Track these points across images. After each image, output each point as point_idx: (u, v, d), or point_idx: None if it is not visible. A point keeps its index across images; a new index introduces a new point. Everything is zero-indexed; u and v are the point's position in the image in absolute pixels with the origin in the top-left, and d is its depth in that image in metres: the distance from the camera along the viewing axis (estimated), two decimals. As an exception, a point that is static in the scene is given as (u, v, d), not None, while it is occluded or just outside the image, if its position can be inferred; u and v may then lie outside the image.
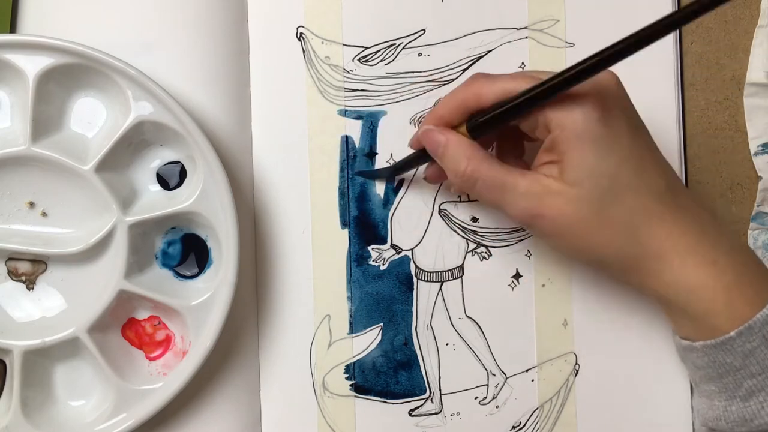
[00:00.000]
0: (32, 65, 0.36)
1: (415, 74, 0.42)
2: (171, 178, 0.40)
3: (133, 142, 0.39)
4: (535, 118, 0.34)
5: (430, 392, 0.43)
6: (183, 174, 0.40)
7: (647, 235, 0.34)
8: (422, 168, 0.42)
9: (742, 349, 0.33)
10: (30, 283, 0.39)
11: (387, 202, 0.42)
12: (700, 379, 0.36)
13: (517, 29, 0.42)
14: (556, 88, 0.32)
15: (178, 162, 0.39)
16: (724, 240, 0.34)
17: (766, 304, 0.33)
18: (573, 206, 0.33)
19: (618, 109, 0.33)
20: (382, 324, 0.43)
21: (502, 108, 0.33)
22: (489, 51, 0.42)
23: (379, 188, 0.42)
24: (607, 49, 0.30)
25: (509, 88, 0.33)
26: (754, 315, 0.33)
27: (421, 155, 0.38)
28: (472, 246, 0.43)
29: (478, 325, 0.43)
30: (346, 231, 0.42)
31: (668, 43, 0.43)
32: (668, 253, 0.34)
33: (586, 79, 0.31)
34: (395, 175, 0.42)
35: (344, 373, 0.42)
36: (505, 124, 0.34)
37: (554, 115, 0.33)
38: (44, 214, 0.39)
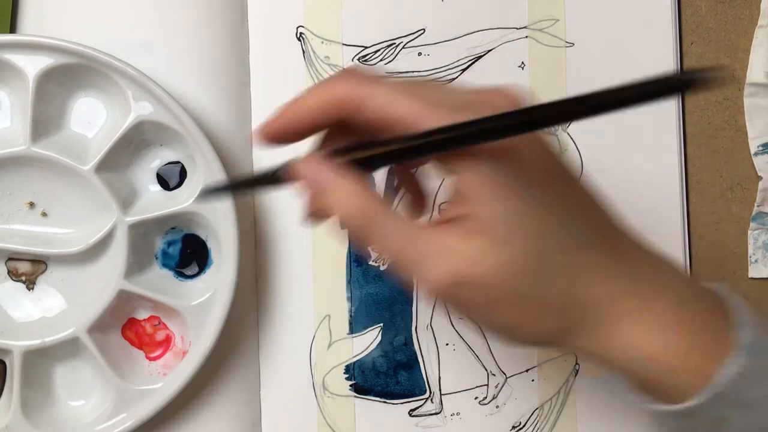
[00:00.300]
0: (32, 65, 0.36)
1: (415, 74, 0.42)
2: (171, 178, 0.40)
3: (133, 142, 0.39)
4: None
5: (430, 392, 0.43)
6: (183, 174, 0.40)
7: (589, 299, 0.27)
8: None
9: (711, 415, 0.27)
10: (30, 283, 0.39)
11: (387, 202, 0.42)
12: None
13: (517, 29, 0.42)
14: (476, 138, 0.24)
15: (178, 162, 0.40)
16: (678, 291, 0.28)
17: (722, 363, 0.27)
18: (505, 269, 0.25)
19: (529, 145, 0.26)
20: (382, 324, 0.43)
21: (398, 145, 0.25)
22: (489, 50, 0.42)
23: (379, 188, 0.42)
24: (546, 105, 0.24)
25: (398, 113, 0.25)
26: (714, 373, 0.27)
27: (277, 180, 0.28)
28: (472, 246, 0.43)
29: (478, 325, 0.43)
30: (345, 231, 0.42)
31: (668, 43, 0.43)
32: (617, 317, 0.27)
33: (509, 137, 0.24)
34: (233, 191, 0.37)
35: (344, 373, 0.42)
36: (397, 163, 0.28)
37: (451, 158, 0.25)
38: (44, 214, 0.39)
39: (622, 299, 0.27)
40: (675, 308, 0.27)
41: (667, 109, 0.43)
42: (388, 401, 0.43)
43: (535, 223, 0.26)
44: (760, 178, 0.43)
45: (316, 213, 0.29)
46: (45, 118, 0.38)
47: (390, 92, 0.26)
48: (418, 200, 0.32)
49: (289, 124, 0.28)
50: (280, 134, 0.28)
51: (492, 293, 0.26)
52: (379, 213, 0.26)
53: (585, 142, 0.42)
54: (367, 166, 0.27)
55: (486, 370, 0.43)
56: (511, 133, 0.24)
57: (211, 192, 0.34)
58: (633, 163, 0.42)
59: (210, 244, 0.40)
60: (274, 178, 0.29)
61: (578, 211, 0.27)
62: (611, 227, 0.28)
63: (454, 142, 0.24)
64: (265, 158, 0.42)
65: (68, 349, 0.39)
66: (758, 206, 0.44)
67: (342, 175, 0.27)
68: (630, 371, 0.28)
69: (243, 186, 0.37)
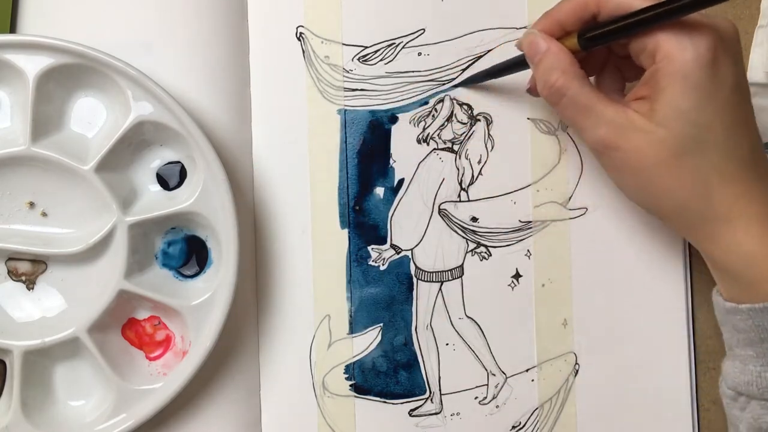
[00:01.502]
0: (32, 65, 0.36)
1: (415, 74, 0.42)
2: (171, 178, 0.40)
3: (133, 142, 0.39)
4: (645, 41, 0.32)
5: (430, 392, 0.43)
6: (183, 174, 0.40)
7: (718, 194, 0.33)
8: (427, 164, 0.42)
9: None
10: (30, 283, 0.39)
11: (387, 202, 0.42)
12: (737, 343, 0.36)
13: (517, 29, 0.42)
14: (679, 11, 0.31)
15: (178, 162, 0.40)
16: None
17: None
18: (653, 147, 0.32)
19: (730, 59, 0.32)
20: (382, 324, 0.43)
21: (619, 24, 0.32)
22: (489, 50, 0.42)
23: (379, 188, 0.42)
24: None
25: (634, 4, 0.32)
26: None
27: (521, 60, 0.37)
28: (472, 246, 0.43)
29: (478, 325, 0.43)
30: (345, 231, 0.42)
31: (668, 42, 0.43)
32: (735, 217, 0.33)
33: (709, 6, 0.30)
34: (490, 78, 0.41)
35: (344, 373, 0.42)
36: (618, 39, 0.33)
37: (665, 44, 0.32)
38: (44, 214, 0.39)
39: (743, 202, 0.33)
40: None
41: (667, 109, 0.43)
42: (388, 401, 0.43)
43: (701, 116, 0.32)
44: (760, 178, 0.43)
45: (536, 88, 0.36)
46: (45, 118, 0.38)
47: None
48: (619, 84, 0.38)
49: (551, 24, 0.35)
50: (546, 31, 0.35)
51: (637, 162, 0.33)
52: (574, 85, 0.33)
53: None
54: (591, 43, 0.34)
55: (486, 370, 0.43)
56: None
57: (468, 82, 0.42)
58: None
59: (210, 244, 0.40)
60: (512, 61, 0.38)
61: (743, 125, 0.33)
62: (758, 151, 0.34)
63: (662, 15, 0.31)
64: (266, 158, 0.42)
65: (68, 349, 0.39)
66: (758, 206, 0.44)
67: (553, 42, 0.34)
68: (728, 266, 0.34)
69: (493, 73, 0.41)
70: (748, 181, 0.33)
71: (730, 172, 0.33)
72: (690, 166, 0.32)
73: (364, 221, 0.42)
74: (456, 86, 0.42)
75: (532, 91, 0.39)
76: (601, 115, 0.33)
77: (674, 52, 0.32)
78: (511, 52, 0.42)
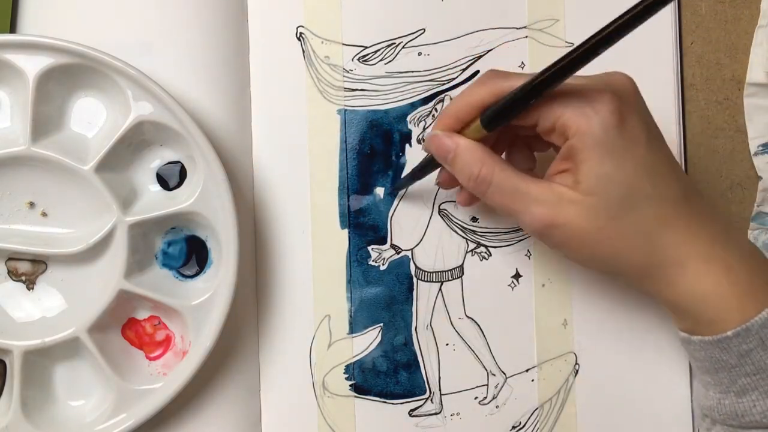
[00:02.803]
0: (32, 65, 0.36)
1: (415, 74, 0.42)
2: (171, 178, 0.40)
3: (133, 142, 0.39)
4: (553, 121, 0.33)
5: (430, 392, 0.43)
6: (183, 174, 0.40)
7: (662, 243, 0.33)
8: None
9: (738, 349, 0.33)
10: (30, 283, 0.39)
11: (387, 202, 0.42)
12: (698, 369, 0.36)
13: (517, 29, 0.42)
14: (577, 62, 0.30)
15: (178, 162, 0.40)
16: (735, 244, 0.34)
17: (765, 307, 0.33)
18: (588, 216, 0.33)
19: (635, 115, 0.33)
20: (381, 324, 0.43)
21: (521, 92, 0.32)
22: (489, 50, 0.42)
23: (379, 188, 0.42)
24: (612, 23, 0.29)
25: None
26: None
27: (433, 159, 0.37)
28: (472, 246, 0.43)
29: (478, 325, 0.43)
30: (345, 231, 0.42)
31: (668, 43, 0.43)
32: (683, 261, 0.33)
33: (597, 56, 0.30)
34: (415, 181, 0.41)
35: (344, 373, 0.42)
36: (519, 110, 0.33)
37: (571, 121, 0.32)
38: (44, 214, 0.39)
39: (689, 244, 0.33)
40: (734, 259, 0.34)
41: (667, 109, 0.43)
42: (387, 401, 0.43)
43: (622, 176, 0.32)
44: (760, 178, 0.43)
45: (446, 180, 0.38)
46: (45, 118, 0.38)
47: (522, 77, 0.33)
48: (530, 159, 0.39)
49: (452, 122, 0.35)
50: (449, 128, 0.35)
51: (578, 233, 0.33)
52: (496, 172, 0.34)
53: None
54: (495, 122, 0.33)
55: (486, 370, 0.43)
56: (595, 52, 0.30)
57: (395, 189, 0.42)
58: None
59: (210, 244, 0.40)
60: (428, 161, 0.38)
61: (668, 171, 0.34)
62: (691, 191, 0.34)
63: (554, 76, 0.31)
64: (266, 158, 0.42)
65: (68, 349, 0.39)
66: (758, 206, 0.44)
67: (459, 138, 0.34)
68: (685, 307, 0.34)
69: (412, 178, 0.41)
70: (688, 223, 0.33)
71: (668, 219, 0.33)
72: (628, 224, 0.33)
73: (364, 221, 0.42)
74: (390, 194, 0.42)
75: (442, 184, 0.39)
76: (530, 195, 0.33)
77: (582, 126, 0.32)
78: (510, 52, 0.42)
